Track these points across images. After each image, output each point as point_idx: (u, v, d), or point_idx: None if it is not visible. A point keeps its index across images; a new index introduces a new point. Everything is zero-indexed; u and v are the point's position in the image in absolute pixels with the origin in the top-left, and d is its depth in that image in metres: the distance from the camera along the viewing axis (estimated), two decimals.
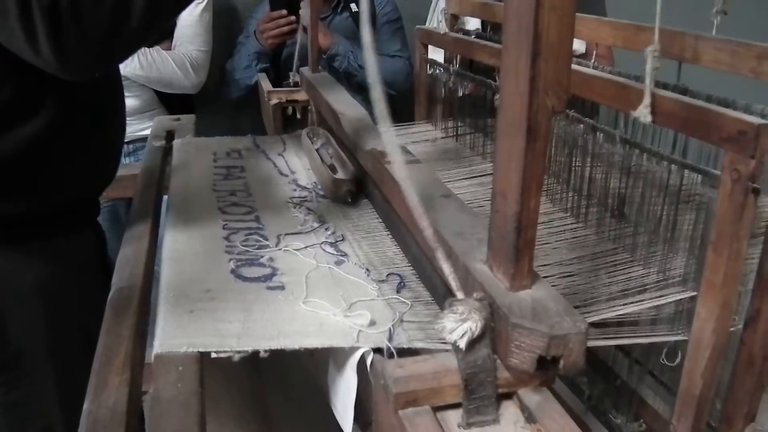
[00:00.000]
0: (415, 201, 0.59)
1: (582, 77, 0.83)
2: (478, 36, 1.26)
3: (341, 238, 0.95)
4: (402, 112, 2.12)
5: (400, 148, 0.93)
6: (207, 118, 2.31)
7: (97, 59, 0.81)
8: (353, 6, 2.23)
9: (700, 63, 0.78)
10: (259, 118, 1.87)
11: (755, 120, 0.59)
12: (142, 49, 2.00)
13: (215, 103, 2.37)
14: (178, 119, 1.56)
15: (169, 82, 2.08)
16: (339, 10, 2.22)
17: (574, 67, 0.86)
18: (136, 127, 2.05)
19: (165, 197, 1.14)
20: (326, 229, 0.97)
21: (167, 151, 1.36)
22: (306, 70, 1.56)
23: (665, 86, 0.74)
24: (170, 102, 2.17)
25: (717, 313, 0.65)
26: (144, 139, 1.79)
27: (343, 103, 1.21)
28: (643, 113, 0.69)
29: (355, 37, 2.21)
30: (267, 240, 0.94)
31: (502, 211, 0.50)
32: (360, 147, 0.98)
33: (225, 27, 2.41)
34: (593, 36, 0.99)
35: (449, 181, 1.06)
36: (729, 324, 0.66)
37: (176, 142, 1.37)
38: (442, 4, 1.79)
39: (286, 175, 1.20)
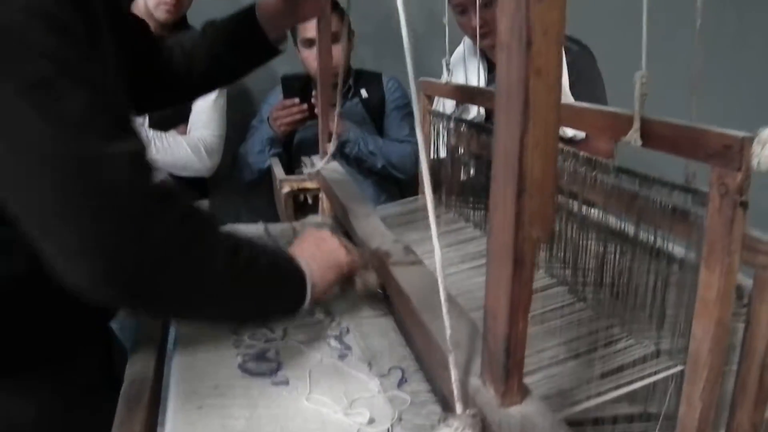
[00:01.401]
0: (418, 309, 0.62)
1: (574, 110, 0.87)
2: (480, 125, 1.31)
3: (346, 331, 0.98)
4: (408, 186, 2.18)
5: (404, 248, 0.98)
6: (221, 199, 2.38)
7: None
8: (363, 92, 2.31)
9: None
10: (272, 198, 1.93)
11: (739, 134, 0.61)
12: (159, 134, 2.07)
13: (229, 184, 2.44)
14: None
15: (184, 166, 2.14)
16: (350, 97, 2.30)
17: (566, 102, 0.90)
18: None
19: None
20: (332, 321, 1.01)
21: None
22: (317, 159, 1.62)
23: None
24: (184, 182, 2.23)
25: (713, 331, 0.65)
26: None
27: (353, 199, 1.25)
28: (633, 137, 0.73)
29: (364, 123, 2.28)
30: (274, 333, 0.97)
31: (493, 331, 0.54)
32: (367, 245, 1.02)
33: (239, 111, 2.49)
34: (587, 128, 1.02)
35: (450, 266, 1.10)
36: (726, 342, 0.66)
37: None
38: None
39: None
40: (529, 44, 0.46)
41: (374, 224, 1.11)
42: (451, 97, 1.44)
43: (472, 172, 1.33)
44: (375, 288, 1.01)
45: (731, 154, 0.61)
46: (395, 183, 2.34)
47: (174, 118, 2.15)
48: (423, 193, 1.44)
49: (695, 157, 0.67)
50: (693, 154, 0.67)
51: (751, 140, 0.61)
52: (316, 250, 0.94)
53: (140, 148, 0.68)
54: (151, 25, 2.08)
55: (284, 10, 1.12)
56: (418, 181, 1.53)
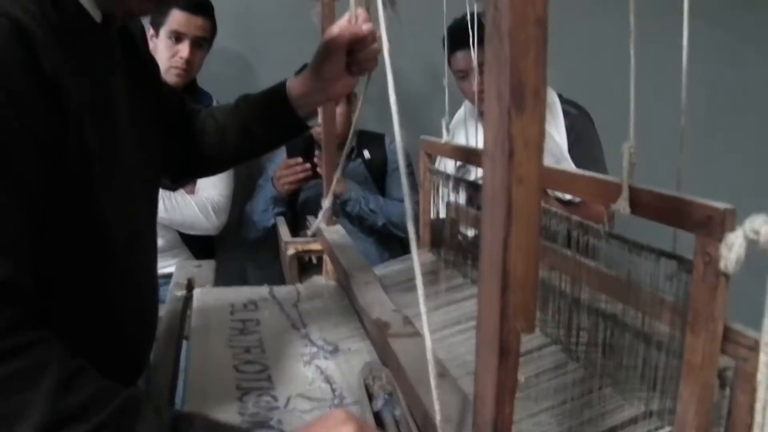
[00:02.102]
0: (413, 382, 0.66)
1: (566, 176, 0.92)
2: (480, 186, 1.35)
3: (348, 401, 1.01)
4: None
5: (403, 318, 1.02)
6: (227, 256, 2.42)
7: None
8: (366, 153, 2.37)
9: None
10: (277, 255, 1.97)
11: (721, 205, 0.65)
12: (167, 193, 2.12)
13: (235, 241, 2.49)
14: (200, 265, 1.66)
15: (192, 225, 2.19)
16: (353, 157, 2.36)
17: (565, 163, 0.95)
18: (160, 265, 2.15)
19: (185, 342, 1.22)
20: (333, 390, 1.04)
21: (188, 299, 1.44)
22: (321, 222, 1.66)
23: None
24: (192, 240, 2.28)
25: (698, 393, 0.69)
26: (166, 276, 1.88)
27: (355, 264, 1.30)
28: (622, 205, 0.78)
29: (366, 183, 2.34)
30: (277, 401, 1.00)
31: (481, 413, 0.58)
32: (367, 314, 1.06)
33: (245, 167, 2.54)
34: (580, 193, 1.06)
35: (449, 327, 1.14)
36: (711, 404, 0.69)
37: (196, 292, 1.46)
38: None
39: (299, 329, 1.27)
40: (511, 155, 0.50)
41: (375, 292, 1.15)
42: (451, 157, 1.50)
43: (472, 231, 1.37)
44: None
45: (713, 225, 0.66)
46: (397, 241, 2.39)
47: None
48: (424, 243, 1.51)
49: (681, 227, 0.72)
50: (679, 223, 0.72)
51: (732, 212, 0.65)
52: None
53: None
54: None
55: (314, 89, 1.15)
56: (419, 238, 1.58)
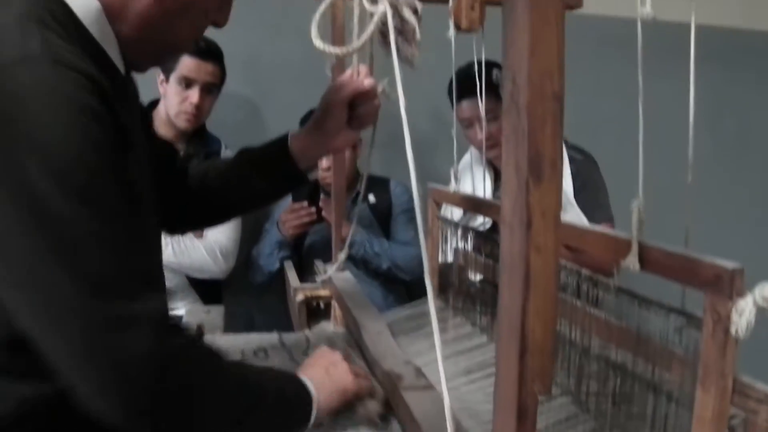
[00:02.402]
0: None
1: (578, 232, 0.94)
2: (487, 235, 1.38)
3: None
4: (419, 294, 2.24)
5: (416, 370, 1.03)
6: (234, 300, 2.43)
7: None
8: (371, 197, 2.39)
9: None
10: (283, 298, 1.99)
11: (730, 264, 0.66)
12: (176, 237, 2.14)
13: (242, 284, 2.50)
14: (209, 311, 1.67)
15: (200, 269, 2.21)
16: (358, 201, 2.37)
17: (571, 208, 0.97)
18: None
19: None
20: None
21: None
22: (330, 268, 1.68)
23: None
24: (199, 283, 2.29)
25: None
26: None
27: (365, 313, 1.31)
28: (632, 262, 0.79)
29: (372, 227, 2.36)
30: None
31: None
32: (379, 365, 1.07)
33: (252, 212, 2.57)
34: (589, 248, 1.08)
35: (458, 377, 1.14)
36: None
37: (207, 339, 1.47)
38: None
39: None
40: (529, 225, 0.52)
41: (386, 343, 1.16)
42: (459, 206, 1.52)
43: (479, 277, 1.39)
44: (375, 416, 1.05)
45: (722, 283, 0.67)
46: (402, 284, 2.40)
47: None
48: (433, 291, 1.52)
49: (690, 285, 0.74)
50: (688, 281, 0.74)
51: (741, 272, 0.67)
52: (324, 375, 1.02)
53: (161, 305, 0.76)
54: (171, 132, 2.21)
55: (315, 142, 1.17)
56: (424, 285, 1.58)
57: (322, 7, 1.05)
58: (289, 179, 1.21)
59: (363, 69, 1.14)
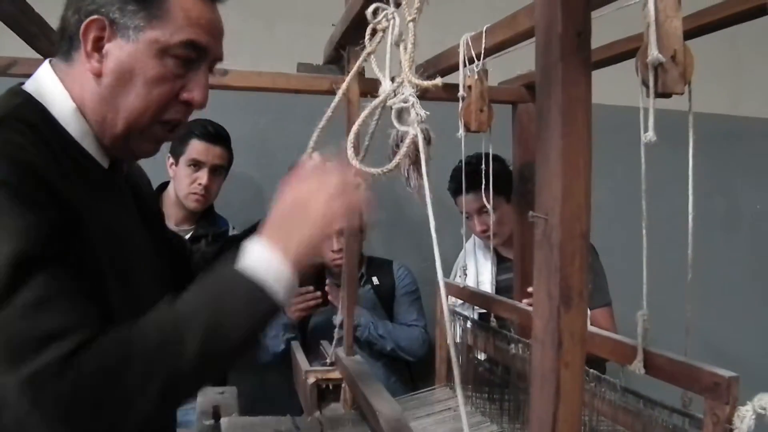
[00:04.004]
0: None
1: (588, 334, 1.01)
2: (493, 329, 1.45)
3: None
4: (422, 376, 2.30)
5: None
6: (239, 380, 2.47)
7: None
8: (375, 279, 2.47)
9: None
10: (287, 378, 2.04)
11: (727, 373, 0.75)
12: None
13: (247, 362, 2.54)
14: (223, 392, 1.72)
15: None
16: (362, 283, 2.45)
17: None
18: None
19: None
20: None
21: (216, 429, 1.51)
22: (341, 352, 1.74)
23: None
24: None
25: None
26: None
27: (380, 398, 1.37)
28: (637, 366, 0.87)
29: (375, 308, 2.43)
30: None
31: None
32: None
33: None
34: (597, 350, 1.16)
35: None
36: None
37: (224, 422, 1.53)
38: (461, 262, 2.01)
39: None
40: (560, 345, 0.60)
41: (403, 428, 1.22)
42: (471, 302, 1.59)
43: (485, 366, 1.46)
44: None
45: (720, 390, 0.76)
46: (405, 365, 2.45)
47: None
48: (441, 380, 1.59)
49: (691, 389, 0.83)
50: (689, 386, 0.83)
51: (737, 380, 0.75)
52: (290, 224, 0.93)
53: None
54: (181, 213, 2.29)
55: None
56: (429, 366, 1.66)
57: (328, 113, 1.14)
58: None
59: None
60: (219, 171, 2.33)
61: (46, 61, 0.99)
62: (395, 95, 0.94)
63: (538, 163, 0.63)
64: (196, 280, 0.88)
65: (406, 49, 0.93)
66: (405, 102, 0.90)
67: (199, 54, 0.97)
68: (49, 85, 0.95)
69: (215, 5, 1.00)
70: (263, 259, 0.88)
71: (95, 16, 0.92)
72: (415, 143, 0.92)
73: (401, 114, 0.93)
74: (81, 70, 0.95)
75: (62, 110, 0.94)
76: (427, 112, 0.91)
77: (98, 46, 0.93)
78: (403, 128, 0.94)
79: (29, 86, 0.96)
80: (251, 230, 1.23)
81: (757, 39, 3.08)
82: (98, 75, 0.94)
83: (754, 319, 3.21)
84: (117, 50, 0.93)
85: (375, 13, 1.03)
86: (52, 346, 0.74)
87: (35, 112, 0.91)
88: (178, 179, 2.30)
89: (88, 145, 0.96)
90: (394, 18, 0.96)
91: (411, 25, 0.92)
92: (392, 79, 0.96)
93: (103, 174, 0.99)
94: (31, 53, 1.66)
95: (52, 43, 1.55)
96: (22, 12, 1.36)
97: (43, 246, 0.78)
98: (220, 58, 1.02)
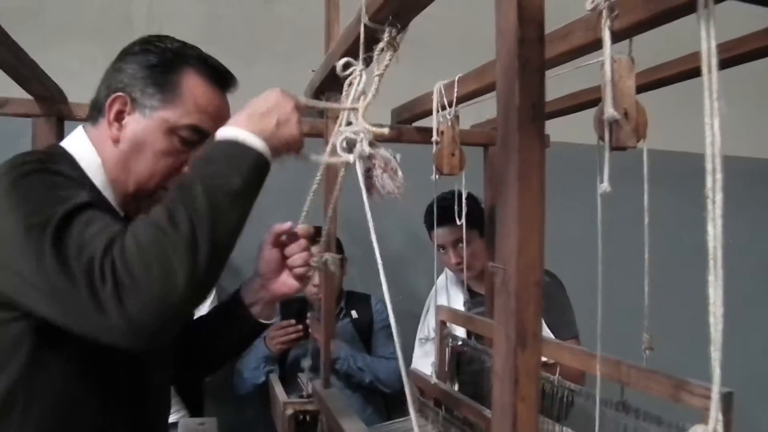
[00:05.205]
0: None
1: (553, 347, 1.17)
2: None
3: None
4: (396, 407, 2.36)
5: None
6: (215, 411, 2.52)
7: (165, 311, 0.85)
8: (353, 313, 2.54)
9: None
10: (264, 410, 2.09)
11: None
12: None
13: (224, 393, 2.59)
14: (203, 423, 1.77)
15: None
16: (341, 317, 2.52)
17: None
18: None
19: None
20: None
21: None
22: (318, 385, 1.80)
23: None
24: (182, 390, 2.37)
25: None
26: None
27: (353, 428, 1.43)
28: None
29: (354, 341, 2.49)
30: None
31: None
32: None
33: None
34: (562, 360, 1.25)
35: None
36: None
37: None
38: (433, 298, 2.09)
39: None
40: (516, 381, 0.68)
41: None
42: (464, 327, 1.68)
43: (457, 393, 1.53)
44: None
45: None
46: (381, 397, 2.51)
47: None
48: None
49: None
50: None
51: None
52: (255, 117, 0.99)
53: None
54: None
55: (258, 287, 1.26)
56: (403, 398, 1.72)
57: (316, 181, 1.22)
58: (245, 326, 1.29)
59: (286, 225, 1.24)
60: None
61: (80, 126, 1.14)
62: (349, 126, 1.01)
63: (498, 220, 0.71)
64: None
65: (366, 97, 1.02)
66: (355, 135, 0.97)
67: (201, 137, 1.09)
68: (81, 144, 1.10)
69: (224, 92, 1.14)
70: (232, 130, 0.96)
71: (120, 93, 1.08)
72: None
73: (350, 144, 0.99)
74: (104, 135, 1.10)
75: (90, 164, 1.08)
76: (382, 150, 1.00)
77: (119, 117, 1.09)
78: (344, 156, 0.98)
79: (65, 144, 1.11)
80: (231, 301, 1.29)
81: (727, 80, 3.20)
82: (116, 141, 1.08)
83: (732, 348, 3.29)
84: (134, 123, 1.08)
85: (346, 67, 1.12)
86: (98, 238, 0.85)
87: (72, 162, 1.06)
88: None
89: (109, 195, 1.09)
90: (360, 75, 1.03)
91: (377, 78, 1.01)
92: (349, 123, 1.04)
93: (122, 221, 1.07)
94: (21, 93, 1.73)
95: (44, 86, 1.64)
96: (17, 58, 1.42)
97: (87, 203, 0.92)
98: None
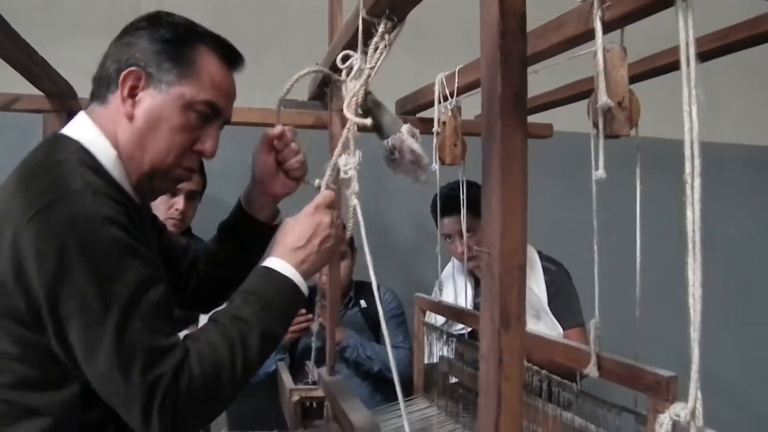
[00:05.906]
0: None
1: (545, 342, 1.14)
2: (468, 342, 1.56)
3: None
4: (405, 394, 2.38)
5: None
6: None
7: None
8: (362, 302, 2.56)
9: None
10: (273, 395, 2.13)
11: (666, 373, 0.87)
12: None
13: None
14: None
15: None
16: (350, 306, 2.55)
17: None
18: None
19: None
20: None
21: None
22: (324, 372, 1.83)
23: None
24: None
25: None
26: None
27: (358, 414, 1.46)
28: (591, 370, 0.99)
29: (363, 331, 2.52)
30: None
31: None
32: None
33: None
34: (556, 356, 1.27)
35: None
36: None
37: None
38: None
39: None
40: (500, 362, 0.70)
41: None
42: (442, 315, 1.70)
43: (459, 378, 1.56)
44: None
45: (660, 388, 0.88)
46: (390, 385, 2.53)
47: (187, 318, 2.37)
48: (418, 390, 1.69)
49: (637, 389, 0.94)
50: (635, 386, 0.94)
51: (675, 379, 0.86)
52: (298, 251, 1.14)
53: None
54: None
55: (257, 192, 1.34)
56: (413, 383, 1.76)
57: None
58: (252, 230, 1.36)
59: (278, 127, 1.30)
60: (194, 196, 2.41)
61: (82, 112, 1.13)
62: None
63: (483, 206, 0.73)
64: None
65: (354, 88, 1.07)
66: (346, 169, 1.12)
67: (215, 113, 1.12)
68: (93, 135, 1.08)
69: (232, 71, 1.17)
70: (293, 272, 1.10)
71: (134, 68, 1.08)
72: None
73: None
74: (116, 112, 1.09)
75: (107, 158, 1.07)
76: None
77: (133, 93, 1.08)
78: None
79: (73, 134, 1.08)
80: (236, 214, 1.37)
81: (732, 69, 3.21)
82: (130, 118, 1.08)
83: (735, 338, 3.30)
84: (149, 99, 1.08)
85: (345, 59, 1.16)
86: (168, 355, 0.92)
87: (94, 165, 1.04)
88: (157, 206, 2.38)
89: (127, 187, 1.09)
90: (359, 67, 1.08)
91: (368, 70, 1.07)
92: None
93: (139, 209, 1.11)
94: (32, 90, 1.77)
95: (54, 83, 1.67)
96: (27, 56, 1.46)
97: (149, 269, 0.97)
98: (228, 120, 1.17)
